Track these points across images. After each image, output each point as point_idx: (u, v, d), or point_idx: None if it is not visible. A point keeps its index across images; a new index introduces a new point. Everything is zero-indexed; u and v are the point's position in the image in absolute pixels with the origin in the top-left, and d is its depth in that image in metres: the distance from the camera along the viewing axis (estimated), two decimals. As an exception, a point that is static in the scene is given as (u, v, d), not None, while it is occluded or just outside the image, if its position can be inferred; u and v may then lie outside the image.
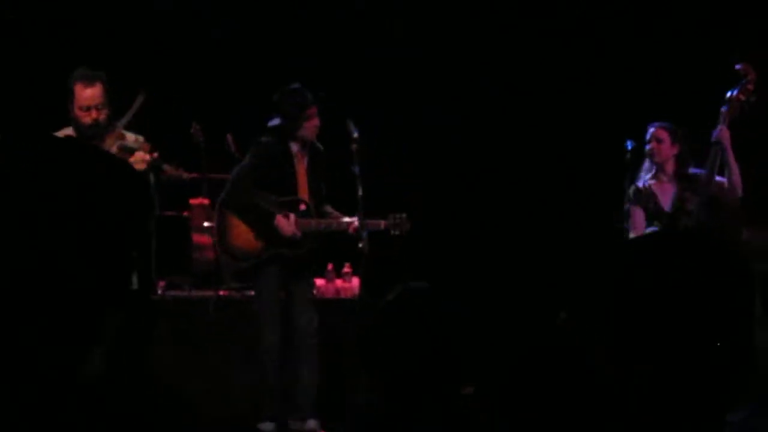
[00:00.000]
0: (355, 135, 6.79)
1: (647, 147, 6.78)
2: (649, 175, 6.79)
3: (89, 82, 6.00)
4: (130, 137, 6.14)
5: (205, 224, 7.82)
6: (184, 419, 6.97)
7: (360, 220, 6.68)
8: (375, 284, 6.87)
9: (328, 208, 6.94)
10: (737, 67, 6.61)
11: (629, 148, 6.84)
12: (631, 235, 6.67)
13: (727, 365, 1.87)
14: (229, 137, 7.92)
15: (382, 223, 6.91)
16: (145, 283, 7.37)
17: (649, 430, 1.91)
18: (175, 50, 8.72)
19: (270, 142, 6.82)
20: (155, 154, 6.08)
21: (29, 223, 1.52)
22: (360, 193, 6.66)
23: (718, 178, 6.58)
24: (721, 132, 6.53)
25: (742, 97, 6.56)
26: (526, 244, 8.68)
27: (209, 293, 7.68)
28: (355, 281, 7.53)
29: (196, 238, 7.82)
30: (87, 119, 5.99)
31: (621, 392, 1.97)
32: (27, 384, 1.52)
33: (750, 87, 6.56)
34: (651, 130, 6.78)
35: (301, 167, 6.86)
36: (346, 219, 6.84)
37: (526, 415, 2.65)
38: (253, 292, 7.64)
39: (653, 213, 6.73)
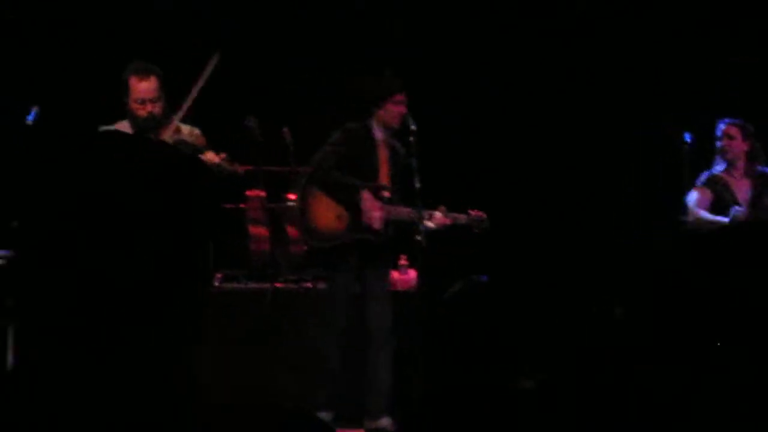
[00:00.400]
0: (413, 128, 6.77)
1: (718, 144, 6.70)
2: (719, 169, 6.72)
3: (144, 75, 6.01)
4: (186, 129, 6.14)
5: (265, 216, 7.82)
6: (237, 411, 6.98)
7: (419, 211, 6.66)
8: (432, 277, 6.86)
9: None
10: None
11: (687, 141, 6.78)
12: (697, 210, 6.57)
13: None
14: (286, 130, 7.91)
15: (463, 218, 6.90)
16: (205, 275, 7.43)
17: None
18: (229, 41, 8.73)
19: (355, 126, 6.84)
20: (223, 155, 6.08)
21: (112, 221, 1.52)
22: (417, 185, 6.64)
23: None
24: None
25: None
26: (583, 238, 8.62)
27: (265, 286, 7.69)
28: (412, 273, 7.50)
29: (252, 230, 7.81)
30: (142, 112, 6.00)
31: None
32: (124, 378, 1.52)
33: None
34: (722, 126, 6.70)
35: (383, 154, 6.88)
36: (429, 211, 6.84)
37: (585, 409, 2.62)
38: (309, 284, 7.65)
39: (728, 203, 6.64)
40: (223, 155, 6.10)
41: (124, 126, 6.02)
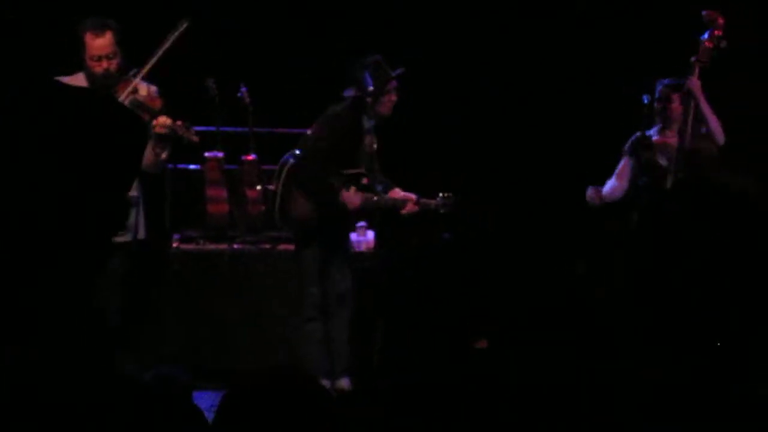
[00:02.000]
0: None
1: (656, 105, 6.74)
2: (653, 131, 6.77)
3: (99, 31, 5.92)
4: (143, 87, 6.08)
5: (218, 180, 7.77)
6: (200, 370, 6.99)
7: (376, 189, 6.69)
8: (389, 238, 6.86)
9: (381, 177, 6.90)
10: (703, 13, 6.52)
11: (645, 102, 6.80)
12: (605, 188, 6.72)
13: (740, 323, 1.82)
14: (244, 91, 7.87)
15: (433, 203, 6.87)
16: (158, 234, 7.36)
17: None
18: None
19: (347, 115, 6.70)
20: (179, 122, 6.01)
21: (30, 162, 1.50)
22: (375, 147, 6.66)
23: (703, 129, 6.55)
24: (691, 82, 6.49)
25: (710, 45, 6.48)
26: (541, 198, 8.64)
27: (223, 247, 7.66)
28: (370, 235, 7.50)
29: (210, 191, 7.77)
30: (98, 69, 5.92)
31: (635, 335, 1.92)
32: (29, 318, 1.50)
33: (718, 33, 6.47)
34: (660, 88, 6.73)
35: (369, 142, 6.77)
36: (402, 195, 6.81)
37: (538, 367, 2.61)
38: (267, 245, 7.63)
39: (648, 164, 6.70)
40: (179, 122, 6.02)
41: (79, 79, 5.94)
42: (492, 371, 2.65)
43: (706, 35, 6.48)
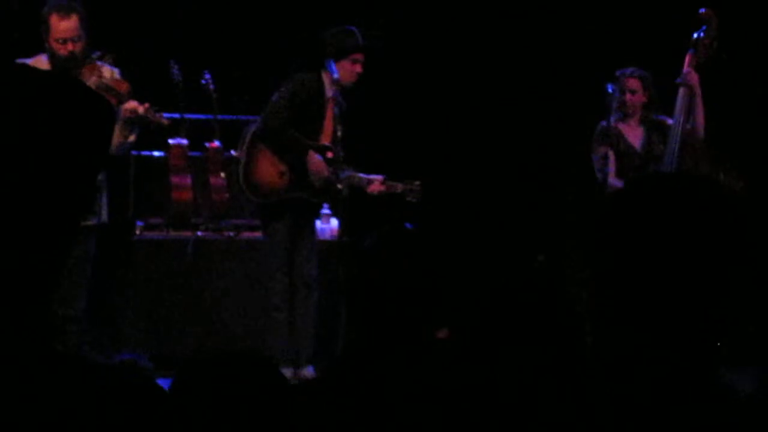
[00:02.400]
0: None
1: (616, 94, 6.76)
2: (613, 119, 6.79)
3: (65, 14, 5.87)
4: (106, 70, 6.04)
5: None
6: (161, 359, 6.96)
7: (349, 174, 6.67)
8: (354, 226, 6.84)
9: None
10: (701, 11, 6.59)
11: (610, 91, 6.82)
12: (611, 179, 6.65)
13: (713, 314, 1.82)
14: (208, 76, 7.82)
15: (399, 187, 6.84)
16: (122, 220, 7.31)
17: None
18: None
19: (308, 78, 6.65)
20: (146, 105, 5.98)
21: None
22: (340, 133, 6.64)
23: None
24: (689, 75, 6.53)
25: (707, 42, 6.54)
26: (506, 187, 8.65)
27: (187, 234, 7.63)
28: (334, 223, 7.49)
29: (174, 179, 7.73)
30: (63, 51, 5.88)
31: (598, 330, 1.92)
32: None
33: (713, 32, 6.55)
34: (623, 79, 6.74)
35: (330, 113, 6.70)
36: (369, 176, 6.79)
37: (499, 357, 2.61)
38: (230, 234, 7.59)
39: (623, 152, 6.73)
40: (146, 105, 6.00)
41: (41, 62, 5.89)
42: (455, 361, 2.65)
43: (702, 32, 6.54)
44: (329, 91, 6.65)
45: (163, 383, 1.76)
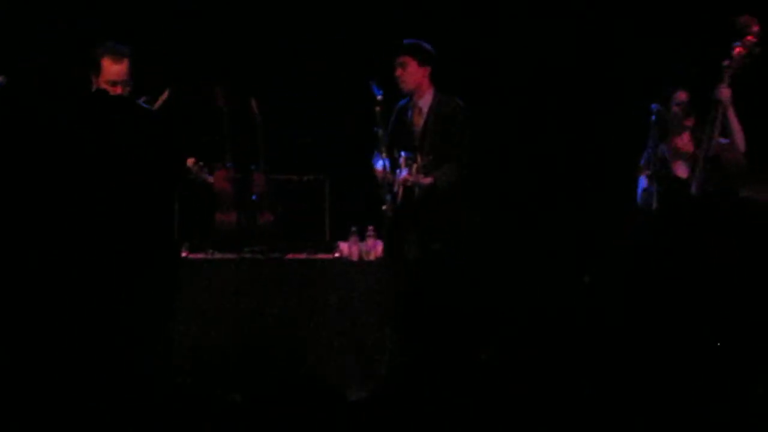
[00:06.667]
0: (379, 97, 6.77)
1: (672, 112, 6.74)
2: (662, 149, 6.76)
3: (119, 58, 5.98)
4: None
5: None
6: (208, 384, 7.01)
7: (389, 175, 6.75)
8: (398, 248, 6.88)
9: None
10: (738, 19, 6.48)
11: (654, 110, 6.80)
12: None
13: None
14: (253, 101, 7.91)
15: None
16: (168, 242, 7.40)
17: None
18: (193, 12, 8.70)
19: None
20: (194, 159, 6.09)
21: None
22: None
23: (721, 139, 6.54)
24: (722, 91, 6.45)
25: (744, 51, 6.43)
26: (549, 208, 8.66)
27: (232, 256, 7.69)
28: (378, 244, 7.54)
29: (219, 200, 7.80)
30: (112, 93, 5.99)
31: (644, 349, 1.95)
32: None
33: (752, 39, 6.44)
34: (656, 106, 6.72)
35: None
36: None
37: (545, 380, 2.65)
38: (277, 254, 7.68)
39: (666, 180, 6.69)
40: (193, 159, 6.13)
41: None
42: (499, 381, 2.68)
43: (739, 41, 6.48)
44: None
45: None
